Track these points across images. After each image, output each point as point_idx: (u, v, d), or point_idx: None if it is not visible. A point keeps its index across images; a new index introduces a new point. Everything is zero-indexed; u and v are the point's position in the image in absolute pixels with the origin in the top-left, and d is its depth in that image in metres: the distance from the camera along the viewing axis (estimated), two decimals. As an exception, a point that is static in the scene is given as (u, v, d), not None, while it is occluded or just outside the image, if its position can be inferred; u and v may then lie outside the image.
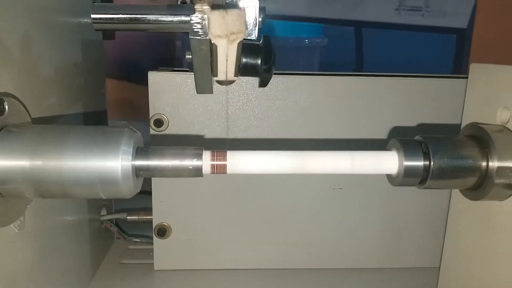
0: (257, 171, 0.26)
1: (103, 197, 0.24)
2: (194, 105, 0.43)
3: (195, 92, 0.42)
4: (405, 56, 1.19)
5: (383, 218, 0.48)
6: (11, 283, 0.28)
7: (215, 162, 0.25)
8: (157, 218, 0.46)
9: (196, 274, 0.47)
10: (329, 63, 0.87)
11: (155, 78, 0.42)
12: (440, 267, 0.36)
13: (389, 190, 0.46)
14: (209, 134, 0.44)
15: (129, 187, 0.24)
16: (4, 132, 0.24)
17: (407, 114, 0.45)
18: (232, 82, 0.31)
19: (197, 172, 0.25)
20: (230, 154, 0.26)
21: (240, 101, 0.44)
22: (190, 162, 0.25)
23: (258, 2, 0.29)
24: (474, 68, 0.30)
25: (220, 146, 0.44)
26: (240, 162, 0.26)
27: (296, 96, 0.44)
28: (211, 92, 0.31)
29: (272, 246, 0.48)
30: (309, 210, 0.47)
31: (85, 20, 0.42)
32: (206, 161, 0.25)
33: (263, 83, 0.32)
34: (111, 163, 0.24)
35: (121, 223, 0.52)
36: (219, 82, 0.32)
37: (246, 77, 0.42)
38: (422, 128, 0.43)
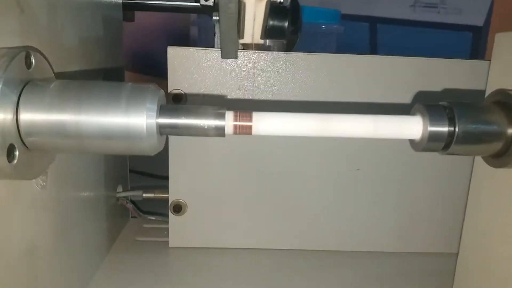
0: (280, 132, 0.26)
1: (127, 153, 0.25)
2: (212, 81, 0.43)
3: (213, 67, 0.43)
4: (420, 53, 1.18)
5: (399, 201, 0.47)
6: (32, 248, 0.28)
7: (238, 123, 0.25)
8: (173, 194, 0.46)
9: (210, 252, 0.47)
10: (344, 46, 0.87)
11: (174, 53, 0.43)
12: (459, 246, 0.35)
13: (406, 173, 0.46)
14: (219, 97, 0.44)
15: (153, 143, 0.24)
16: (30, 85, 0.24)
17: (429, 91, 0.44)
18: (258, 46, 0.30)
19: (219, 131, 0.25)
20: (253, 115, 0.25)
21: (261, 76, 0.43)
22: (213, 122, 0.25)
23: None
24: (500, 37, 0.29)
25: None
26: (262, 123, 0.25)
27: (320, 73, 0.44)
28: (236, 57, 0.31)
29: (287, 227, 0.48)
30: (326, 191, 0.47)
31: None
32: (229, 121, 0.25)
33: (289, 46, 0.32)
34: (136, 119, 0.24)
35: (136, 201, 0.52)
36: (245, 46, 0.31)
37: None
38: (446, 94, 0.43)
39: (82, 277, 0.40)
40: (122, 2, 0.41)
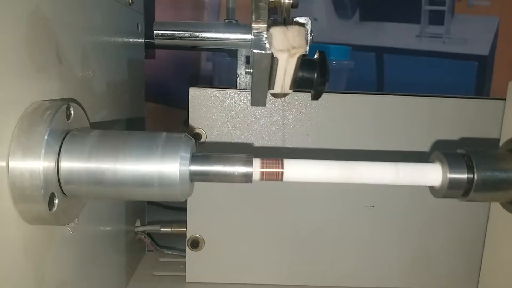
0: (306, 179, 0.27)
1: (160, 199, 0.26)
2: (232, 120, 0.45)
3: (233, 107, 0.44)
4: (426, 81, 1.20)
5: (414, 239, 0.48)
6: (62, 284, 0.29)
7: (265, 169, 0.26)
8: (191, 230, 0.47)
9: (227, 288, 0.48)
10: (353, 86, 0.89)
11: (195, 93, 0.44)
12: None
13: (422, 210, 0.46)
14: (244, 145, 0.45)
15: (185, 190, 0.25)
16: (70, 136, 0.25)
17: (443, 133, 0.45)
18: (286, 95, 0.32)
19: (247, 178, 0.26)
20: (279, 162, 0.27)
21: (276, 117, 0.45)
22: (241, 169, 0.26)
23: (310, 22, 0.30)
24: (513, 86, 0.31)
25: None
26: (289, 171, 0.27)
27: (336, 112, 0.45)
28: (265, 105, 0.33)
29: (303, 263, 0.48)
30: (342, 228, 0.47)
31: (130, 40, 0.44)
32: (256, 168, 0.26)
33: (317, 96, 0.34)
34: (171, 167, 0.25)
35: (153, 235, 0.53)
36: (274, 95, 0.33)
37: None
38: (462, 142, 0.44)
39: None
40: (155, 39, 0.43)
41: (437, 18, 1.23)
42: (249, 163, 0.26)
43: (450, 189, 0.27)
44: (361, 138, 0.46)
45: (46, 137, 0.23)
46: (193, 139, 0.27)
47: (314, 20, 1.10)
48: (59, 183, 0.25)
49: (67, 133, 0.25)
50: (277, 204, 0.47)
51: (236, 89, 0.45)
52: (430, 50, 1.23)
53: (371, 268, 0.49)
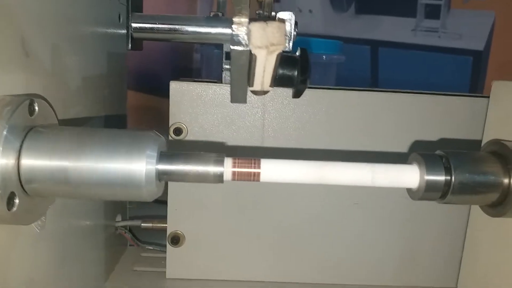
0: (277, 180, 0.26)
1: (125, 199, 0.25)
2: (213, 115, 0.44)
3: (214, 102, 0.43)
4: (421, 76, 1.19)
5: (399, 236, 0.47)
6: (29, 282, 0.28)
7: (237, 169, 0.26)
8: (172, 226, 0.46)
9: (208, 285, 0.47)
10: (345, 80, 0.88)
11: (176, 87, 0.43)
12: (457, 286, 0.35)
13: (407, 207, 0.46)
14: (225, 142, 0.44)
15: (152, 190, 0.25)
16: (33, 132, 0.24)
17: (426, 131, 0.44)
18: (266, 92, 0.31)
19: (218, 178, 0.25)
20: (253, 162, 0.26)
21: (258, 113, 0.44)
22: (211, 168, 0.25)
23: (294, 16, 0.29)
24: (497, 86, 0.30)
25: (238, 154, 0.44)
26: (261, 170, 0.26)
27: (320, 109, 0.44)
28: (245, 102, 0.32)
29: (286, 259, 0.48)
30: (325, 224, 0.47)
31: (111, 31, 0.43)
32: (227, 168, 0.25)
33: (297, 94, 0.33)
34: (136, 166, 0.24)
35: (135, 230, 0.52)
36: (254, 92, 0.32)
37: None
38: (443, 143, 0.43)
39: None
40: (133, 32, 0.42)
41: (433, 12, 1.21)
42: (220, 162, 0.25)
43: (428, 192, 0.26)
44: (344, 137, 0.45)
45: (4, 133, 0.22)
46: (162, 137, 0.26)
47: (309, 12, 1.09)
48: (20, 181, 0.24)
49: (30, 130, 0.24)
50: (260, 200, 0.46)
51: (221, 83, 0.44)
52: (425, 44, 1.22)
53: (356, 265, 0.48)
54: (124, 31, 0.46)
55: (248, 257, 0.47)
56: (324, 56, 0.72)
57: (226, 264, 0.47)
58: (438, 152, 0.27)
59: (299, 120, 0.44)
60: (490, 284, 0.31)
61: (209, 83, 0.44)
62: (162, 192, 0.26)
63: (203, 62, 0.82)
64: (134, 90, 0.96)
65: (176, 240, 0.46)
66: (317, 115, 0.44)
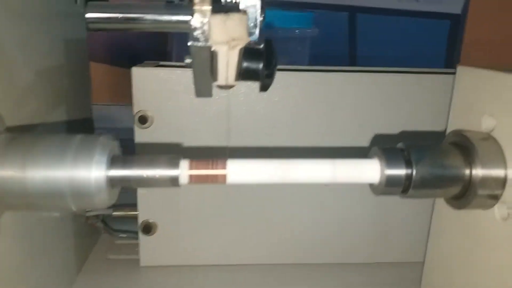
0: (237, 182, 0.25)
1: (79, 209, 0.24)
2: (180, 102, 0.42)
3: (181, 88, 0.42)
4: (399, 42, 1.17)
5: (370, 214, 0.47)
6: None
7: (194, 172, 0.25)
8: (143, 215, 0.46)
9: (183, 270, 0.47)
10: (320, 54, 0.86)
11: (139, 73, 0.41)
12: (423, 271, 0.36)
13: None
14: (193, 131, 0.43)
15: (103, 198, 0.24)
16: (-26, 143, 0.23)
17: (396, 112, 0.44)
18: (232, 86, 0.30)
19: (173, 182, 0.25)
20: (213, 163, 0.25)
21: (226, 99, 0.43)
22: (166, 172, 0.24)
23: (260, 2, 0.27)
24: (461, 72, 0.29)
25: (205, 141, 0.43)
26: (218, 172, 0.25)
27: (278, 94, 0.43)
28: (211, 96, 0.30)
29: (260, 241, 0.48)
30: (298, 205, 0.47)
31: (65, 13, 0.41)
32: (183, 171, 0.25)
33: (264, 88, 0.32)
34: (83, 173, 0.23)
35: (108, 218, 0.51)
36: (219, 86, 0.31)
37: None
38: (407, 134, 0.43)
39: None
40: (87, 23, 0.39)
41: (412, -24, 1.19)
42: (175, 165, 0.25)
43: (388, 186, 0.26)
44: (315, 124, 0.44)
45: None
46: (113, 141, 0.25)
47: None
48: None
49: (-29, 140, 0.23)
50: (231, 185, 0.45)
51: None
52: (404, 9, 1.20)
53: (330, 243, 0.48)
54: (81, 14, 0.44)
55: (221, 241, 0.47)
56: (297, 31, 0.70)
57: (201, 250, 0.47)
58: (399, 145, 0.27)
59: (269, 106, 0.43)
60: (455, 255, 0.31)
61: (174, 68, 0.42)
62: (117, 198, 0.25)
63: (172, 44, 0.79)
64: (111, 65, 0.93)
65: (148, 229, 0.46)
66: (287, 100, 0.43)
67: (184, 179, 0.25)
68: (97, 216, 0.49)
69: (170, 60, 0.48)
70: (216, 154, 0.43)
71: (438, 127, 0.43)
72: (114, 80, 0.75)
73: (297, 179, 0.25)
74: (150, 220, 0.46)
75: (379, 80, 0.43)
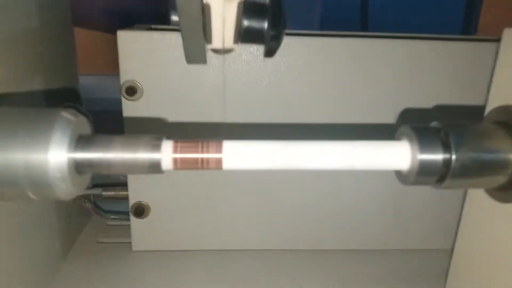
0: (237, 167, 0.20)
1: (36, 199, 0.19)
2: (174, 71, 0.37)
3: (175, 55, 0.37)
4: (412, 5, 1.10)
5: (385, 197, 0.43)
6: None
7: (179, 155, 0.20)
8: (134, 196, 0.41)
9: (177, 255, 0.43)
10: (331, 19, 0.80)
11: (125, 37, 0.36)
12: (449, 267, 0.31)
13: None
14: (189, 104, 0.38)
15: (66, 188, 0.19)
16: None
17: (424, 84, 0.38)
18: (230, 50, 0.24)
19: (154, 167, 0.20)
20: (202, 145, 0.20)
21: (226, 68, 0.38)
22: (145, 155, 0.20)
23: None
24: (508, 35, 0.24)
25: (203, 116, 0.38)
26: (210, 155, 0.20)
27: (297, 61, 0.38)
28: (205, 62, 0.25)
29: (258, 226, 0.43)
30: (302, 187, 0.42)
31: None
32: (166, 154, 0.20)
33: (270, 53, 0.26)
34: (39, 157, 0.18)
35: (98, 198, 0.47)
36: (215, 50, 0.25)
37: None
38: (439, 109, 0.37)
39: (38, 284, 0.36)
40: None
41: None
42: (156, 147, 0.20)
43: (421, 175, 0.21)
44: (323, 83, 0.39)
45: None
46: (81, 115, 0.20)
47: None
48: None
49: None
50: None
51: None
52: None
53: (341, 229, 0.44)
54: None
55: (217, 225, 0.43)
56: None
57: (198, 234, 0.43)
58: (434, 124, 0.22)
59: (274, 76, 0.38)
60: (489, 249, 0.27)
61: (167, 32, 0.37)
62: (86, 186, 0.21)
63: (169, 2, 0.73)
64: (103, 31, 0.87)
65: (140, 211, 0.42)
66: (296, 70, 0.38)
67: (167, 164, 0.20)
68: (85, 196, 0.45)
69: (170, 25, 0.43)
70: (213, 131, 0.39)
71: (471, 101, 0.37)
72: (106, 48, 0.69)
73: (308, 165, 0.20)
74: (142, 202, 0.41)
75: (405, 47, 0.38)
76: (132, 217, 0.42)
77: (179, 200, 0.41)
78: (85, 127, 0.20)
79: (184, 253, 0.43)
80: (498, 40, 0.25)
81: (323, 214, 0.43)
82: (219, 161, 0.20)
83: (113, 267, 0.42)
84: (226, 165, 0.20)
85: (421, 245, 0.45)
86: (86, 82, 0.49)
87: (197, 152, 0.20)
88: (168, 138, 0.21)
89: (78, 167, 0.19)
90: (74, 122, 0.19)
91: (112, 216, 0.47)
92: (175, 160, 0.20)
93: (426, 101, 0.38)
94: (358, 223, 0.43)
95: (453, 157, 0.20)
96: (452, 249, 0.31)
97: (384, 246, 0.45)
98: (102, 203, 0.47)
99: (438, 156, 0.20)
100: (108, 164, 0.19)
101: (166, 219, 0.42)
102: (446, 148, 0.20)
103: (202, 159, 0.20)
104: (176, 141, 0.20)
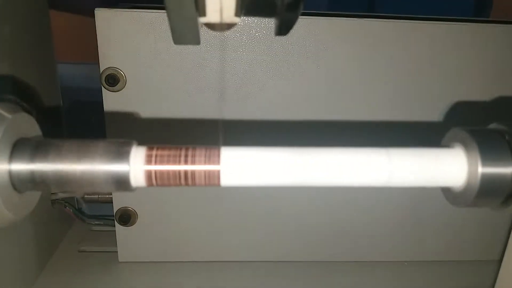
0: (234, 183, 0.15)
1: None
2: (162, 57, 0.32)
3: (164, 38, 0.31)
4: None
5: (406, 205, 0.38)
6: None
7: (154, 167, 0.15)
8: (119, 202, 0.36)
9: (167, 267, 0.38)
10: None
11: (104, 17, 0.31)
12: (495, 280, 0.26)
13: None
14: (179, 96, 0.32)
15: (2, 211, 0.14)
16: None
17: (444, 73, 0.33)
18: (230, 26, 0.18)
19: (120, 184, 0.14)
20: (182, 154, 0.15)
21: (218, 52, 0.32)
22: (108, 167, 0.14)
23: None
24: None
25: (193, 112, 0.33)
26: (204, 167, 0.15)
27: (307, 45, 0.32)
28: (197, 42, 0.19)
29: (253, 237, 0.38)
30: (300, 199, 0.37)
31: None
32: (136, 165, 0.14)
33: (284, 29, 0.19)
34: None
35: (81, 201, 0.42)
36: (209, 25, 0.19)
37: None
38: (496, 104, 0.32)
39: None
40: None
41: None
42: (122, 156, 0.14)
43: (483, 195, 0.15)
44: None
45: None
46: (22, 112, 0.15)
47: None
48: None
49: None
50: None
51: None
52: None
53: (348, 241, 0.39)
54: None
55: (213, 235, 0.38)
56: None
57: (189, 244, 0.38)
58: (494, 125, 0.16)
59: (284, 61, 0.32)
60: None
61: (155, 11, 0.31)
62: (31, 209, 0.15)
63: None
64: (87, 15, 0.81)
65: (126, 218, 0.36)
66: (303, 54, 0.32)
67: (138, 178, 0.15)
68: (66, 200, 0.40)
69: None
70: (209, 129, 0.33)
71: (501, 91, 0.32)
72: (88, 34, 0.63)
73: (330, 181, 0.15)
74: (129, 208, 0.36)
75: (420, 29, 0.32)
76: (117, 224, 0.37)
77: (169, 206, 0.36)
78: (29, 128, 0.15)
79: (174, 265, 0.39)
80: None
81: (331, 223, 0.38)
82: (213, 175, 0.15)
83: (96, 280, 0.37)
84: (226, 180, 0.15)
85: (442, 256, 0.40)
86: (66, 71, 0.43)
87: (179, 162, 0.15)
88: (154, 137, 0.15)
89: (14, 182, 0.14)
90: (10, 120, 0.14)
91: (96, 222, 0.42)
92: (148, 174, 0.14)
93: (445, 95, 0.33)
94: (371, 233, 0.38)
95: (527, 171, 0.15)
96: (500, 261, 0.26)
97: (411, 257, 0.39)
98: (85, 206, 0.42)
99: (507, 170, 0.15)
100: (56, 179, 0.14)
101: (155, 228, 0.37)
102: (517, 159, 0.15)
103: (186, 173, 0.15)
104: (150, 148, 0.15)
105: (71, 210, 0.40)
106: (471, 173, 0.15)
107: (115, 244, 0.39)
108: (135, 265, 0.39)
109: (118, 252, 0.38)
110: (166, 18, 0.30)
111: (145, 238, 0.37)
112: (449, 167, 0.15)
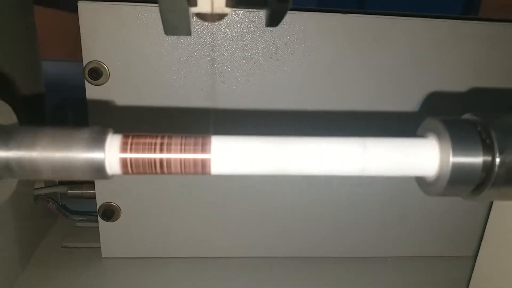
0: (218, 172, 0.15)
1: None
2: (147, 50, 0.32)
3: (149, 31, 0.31)
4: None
5: (385, 201, 0.38)
6: None
7: (130, 155, 0.15)
8: (102, 197, 0.36)
9: (151, 263, 0.38)
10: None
11: (88, 11, 0.31)
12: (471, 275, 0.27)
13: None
14: (164, 88, 0.32)
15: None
16: None
17: (436, 68, 0.33)
18: (221, 17, 0.19)
19: (96, 171, 0.15)
20: (160, 140, 0.15)
21: (207, 46, 0.32)
22: (83, 154, 0.14)
23: None
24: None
25: (183, 101, 0.33)
26: (184, 156, 0.15)
27: (295, 40, 0.32)
28: (188, 33, 0.19)
29: (238, 233, 0.38)
30: (294, 188, 0.37)
31: None
32: (112, 153, 0.15)
33: (274, 20, 0.19)
34: None
35: (65, 198, 0.42)
36: (201, 16, 0.19)
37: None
38: (472, 94, 0.32)
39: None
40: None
41: None
42: (97, 143, 0.14)
43: (454, 183, 0.16)
44: (322, 63, 0.33)
45: None
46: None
47: None
48: None
49: None
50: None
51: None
52: None
53: (334, 237, 0.39)
54: None
55: (199, 230, 0.38)
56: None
57: (173, 239, 0.38)
58: (467, 116, 0.17)
59: (273, 53, 0.32)
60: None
61: (140, 4, 0.31)
62: (8, 196, 0.15)
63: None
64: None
65: (109, 213, 0.36)
66: (292, 49, 0.32)
67: (113, 166, 0.15)
68: (49, 195, 0.40)
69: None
70: (198, 121, 0.33)
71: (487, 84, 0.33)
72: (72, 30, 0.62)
73: (308, 170, 0.15)
74: (112, 203, 0.36)
75: (424, 26, 0.33)
76: (100, 220, 0.37)
77: (153, 202, 0.36)
78: (4, 115, 0.15)
79: (158, 261, 0.38)
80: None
81: (319, 218, 0.38)
82: (198, 163, 0.15)
83: (80, 276, 0.37)
84: (214, 169, 0.15)
85: (427, 252, 0.40)
86: (51, 68, 0.43)
87: (154, 150, 0.15)
88: (138, 131, 0.15)
89: (-10, 170, 0.14)
90: (-15, 108, 0.14)
91: (80, 218, 0.41)
92: (124, 162, 0.15)
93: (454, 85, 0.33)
94: (358, 228, 0.38)
95: (497, 160, 0.15)
96: (475, 257, 0.27)
97: (390, 253, 0.40)
98: (69, 202, 0.42)
99: (477, 159, 0.15)
100: (32, 166, 0.14)
101: (139, 223, 0.37)
102: (487, 148, 0.15)
103: (162, 161, 0.15)
104: (126, 136, 0.15)
105: (54, 206, 0.40)
106: (443, 162, 0.16)
107: (98, 240, 0.39)
108: (119, 261, 0.38)
109: (102, 248, 0.38)
110: (149, 12, 0.30)
111: (128, 233, 0.37)
112: (422, 156, 0.16)
